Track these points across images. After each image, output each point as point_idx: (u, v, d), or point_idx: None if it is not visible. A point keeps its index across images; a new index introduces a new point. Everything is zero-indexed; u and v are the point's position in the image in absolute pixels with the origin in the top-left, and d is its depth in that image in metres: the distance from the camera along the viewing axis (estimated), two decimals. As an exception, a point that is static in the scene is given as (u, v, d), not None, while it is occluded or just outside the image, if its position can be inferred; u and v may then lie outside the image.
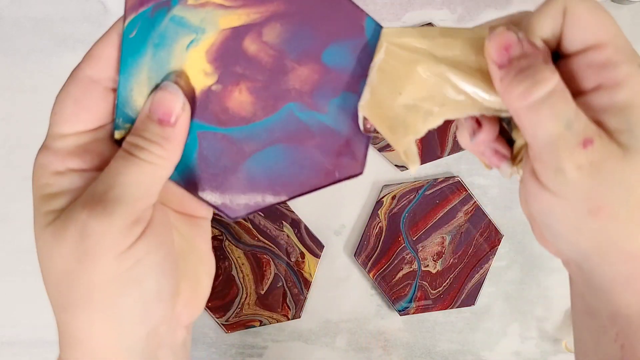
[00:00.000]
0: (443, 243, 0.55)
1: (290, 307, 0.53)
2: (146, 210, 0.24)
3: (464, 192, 0.55)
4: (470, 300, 0.55)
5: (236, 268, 0.53)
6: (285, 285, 0.53)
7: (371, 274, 0.54)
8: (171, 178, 0.26)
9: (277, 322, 0.53)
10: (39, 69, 0.54)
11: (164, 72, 0.25)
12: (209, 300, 0.53)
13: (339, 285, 0.55)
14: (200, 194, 0.26)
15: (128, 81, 0.25)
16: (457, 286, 0.55)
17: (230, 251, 0.53)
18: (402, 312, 0.54)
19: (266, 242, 0.54)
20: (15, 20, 0.54)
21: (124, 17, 0.25)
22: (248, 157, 0.26)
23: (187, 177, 0.26)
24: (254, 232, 0.54)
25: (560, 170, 0.21)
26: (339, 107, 0.26)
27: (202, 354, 0.54)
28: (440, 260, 0.55)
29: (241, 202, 0.27)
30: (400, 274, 0.54)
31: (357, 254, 0.54)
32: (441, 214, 0.55)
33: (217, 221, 0.53)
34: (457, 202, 0.55)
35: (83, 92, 0.25)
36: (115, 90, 0.25)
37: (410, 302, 0.54)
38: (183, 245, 0.28)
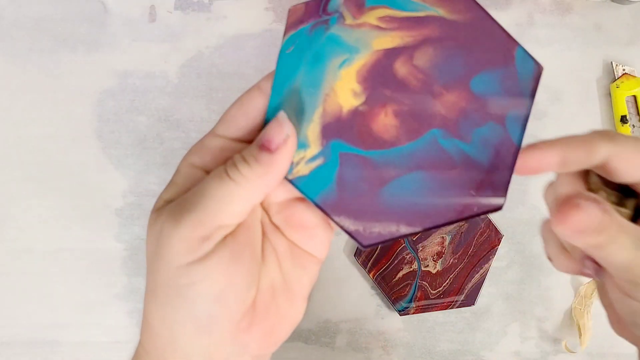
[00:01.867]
0: (443, 243, 0.55)
1: (290, 307, 0.53)
2: (219, 229, 0.23)
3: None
4: (470, 300, 0.55)
5: (236, 268, 0.53)
6: (285, 285, 0.53)
7: (371, 274, 0.54)
8: (310, 197, 0.26)
9: (277, 322, 0.53)
10: (39, 69, 0.54)
11: (315, 90, 0.26)
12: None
13: (339, 285, 0.55)
14: (335, 217, 0.26)
15: (280, 99, 0.25)
16: (457, 286, 0.55)
17: (230, 251, 0.53)
18: (402, 312, 0.54)
19: (266, 242, 0.53)
20: (15, 20, 0.54)
21: (285, 33, 0.25)
22: (387, 183, 0.26)
23: (324, 199, 0.26)
24: (254, 232, 0.53)
25: None
26: (483, 137, 0.25)
27: (202, 354, 0.54)
28: (440, 260, 0.55)
29: (375, 230, 0.26)
30: (400, 274, 0.54)
31: (357, 254, 0.54)
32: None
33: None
34: (457, 202, 0.55)
35: (251, 100, 0.25)
36: None
37: (410, 302, 0.54)
38: (277, 280, 0.27)
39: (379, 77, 0.25)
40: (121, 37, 0.55)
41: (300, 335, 0.54)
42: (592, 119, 0.56)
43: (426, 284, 0.54)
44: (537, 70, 0.25)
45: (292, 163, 0.26)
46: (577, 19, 0.56)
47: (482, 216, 0.54)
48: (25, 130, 0.54)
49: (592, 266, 0.25)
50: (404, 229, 0.26)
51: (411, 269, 0.54)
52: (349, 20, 0.25)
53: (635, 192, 0.26)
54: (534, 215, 0.56)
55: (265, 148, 0.24)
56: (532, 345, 0.56)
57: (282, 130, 0.24)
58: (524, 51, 0.25)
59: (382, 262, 0.54)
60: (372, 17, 0.25)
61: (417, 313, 0.54)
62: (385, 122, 0.26)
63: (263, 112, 0.25)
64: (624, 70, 0.55)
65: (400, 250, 0.54)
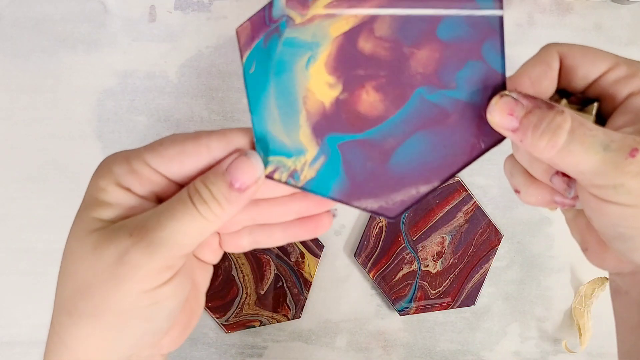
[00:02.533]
0: (443, 243, 0.55)
1: (290, 307, 0.53)
2: (181, 259, 0.25)
3: (464, 192, 0.55)
4: (470, 300, 0.55)
5: (236, 268, 0.53)
6: (285, 285, 0.53)
7: (371, 274, 0.54)
8: (324, 195, 0.26)
9: (277, 322, 0.53)
10: (39, 69, 0.54)
11: (291, 97, 0.25)
12: (209, 300, 0.53)
13: (339, 285, 0.55)
14: (355, 203, 0.26)
15: (262, 118, 0.25)
16: (457, 286, 0.55)
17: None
18: (402, 312, 0.54)
19: (266, 242, 0.54)
20: (15, 20, 0.54)
21: (240, 55, 0.25)
22: (392, 155, 0.26)
23: (339, 191, 0.26)
24: (254, 232, 0.54)
25: (619, 186, 0.23)
26: (466, 78, 0.25)
27: (202, 354, 0.54)
28: (440, 260, 0.55)
29: (397, 199, 0.26)
30: (400, 274, 0.54)
31: (357, 254, 0.54)
32: (441, 214, 0.55)
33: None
34: (457, 202, 0.55)
35: (193, 150, 0.25)
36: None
37: (410, 302, 0.54)
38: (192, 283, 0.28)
39: (348, 61, 0.25)
40: (121, 37, 0.55)
41: (300, 335, 0.54)
42: (592, 119, 0.56)
43: (426, 284, 0.54)
44: None
45: (297, 171, 0.26)
46: (577, 19, 0.56)
47: (481, 215, 0.54)
48: (25, 130, 0.54)
49: (561, 180, 0.25)
50: (424, 188, 0.26)
51: (411, 269, 0.54)
52: (298, 19, 0.25)
53: (597, 99, 0.27)
54: (533, 216, 0.56)
55: (236, 189, 0.24)
56: (532, 345, 0.56)
57: (254, 172, 0.25)
58: None
59: (382, 262, 0.54)
60: (319, 8, 0.25)
61: (417, 313, 0.54)
62: (369, 100, 0.26)
63: (205, 166, 0.25)
64: (624, 70, 0.55)
65: (400, 250, 0.54)
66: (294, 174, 0.26)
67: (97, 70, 0.55)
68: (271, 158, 0.26)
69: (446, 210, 0.55)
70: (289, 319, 0.53)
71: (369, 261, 0.54)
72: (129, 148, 0.57)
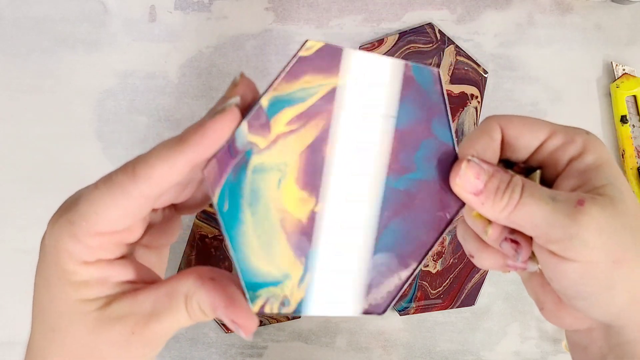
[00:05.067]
0: (443, 243, 0.55)
1: (290, 307, 0.53)
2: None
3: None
4: (470, 300, 0.55)
5: (236, 268, 0.53)
6: (285, 285, 0.53)
7: (371, 274, 0.54)
8: (319, 314, 0.26)
9: (277, 322, 0.53)
10: (39, 69, 0.54)
11: (268, 223, 0.25)
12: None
13: (339, 285, 0.55)
14: (343, 310, 0.27)
15: (243, 254, 0.24)
16: (457, 286, 0.55)
17: (230, 251, 0.53)
18: (402, 312, 0.54)
19: (266, 242, 0.53)
20: (15, 20, 0.54)
21: (212, 194, 0.24)
22: (371, 251, 0.27)
23: (327, 301, 0.26)
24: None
25: (574, 237, 0.24)
26: (423, 157, 0.27)
27: (202, 354, 0.54)
28: (440, 260, 0.55)
29: (383, 293, 0.27)
30: (400, 274, 0.54)
31: (357, 254, 0.54)
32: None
33: (216, 220, 0.53)
34: (457, 202, 0.55)
35: (132, 203, 0.24)
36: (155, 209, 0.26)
37: (410, 302, 0.54)
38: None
39: (317, 171, 0.25)
40: (121, 37, 0.55)
41: (300, 335, 0.54)
42: (592, 119, 0.56)
43: (426, 284, 0.54)
44: (435, 74, 0.26)
45: (287, 297, 0.25)
46: (577, 19, 0.56)
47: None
48: (25, 130, 0.54)
49: (510, 246, 0.27)
50: (405, 273, 0.27)
51: (411, 269, 0.54)
52: (262, 143, 0.24)
53: (539, 167, 0.28)
54: (534, 215, 0.56)
55: (234, 329, 0.25)
56: (532, 345, 0.56)
57: (250, 314, 0.25)
58: (417, 66, 0.26)
59: (382, 262, 0.54)
60: (280, 126, 0.24)
61: (417, 313, 0.54)
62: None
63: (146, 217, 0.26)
64: (624, 70, 0.55)
65: (400, 250, 0.54)
66: (284, 302, 0.26)
67: (97, 70, 0.55)
68: (259, 292, 0.25)
69: (446, 210, 0.55)
70: (288, 319, 0.53)
71: (369, 261, 0.54)
72: (129, 148, 0.57)
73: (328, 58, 0.24)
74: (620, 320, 0.26)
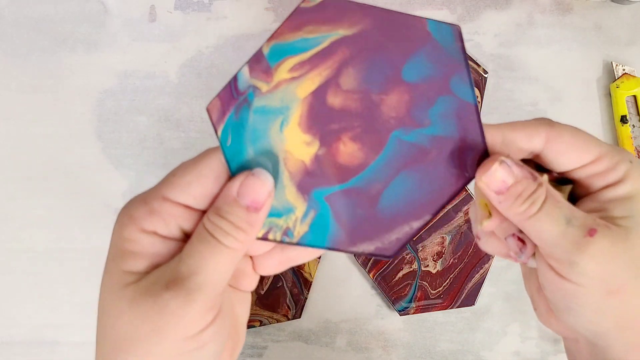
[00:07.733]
0: (443, 243, 0.55)
1: (290, 307, 0.53)
2: (220, 296, 0.25)
3: (464, 192, 0.55)
4: (470, 300, 0.55)
5: (236, 268, 0.53)
6: (285, 285, 0.53)
7: (371, 274, 0.54)
8: (321, 246, 0.27)
9: (277, 322, 0.53)
10: (39, 69, 0.54)
11: (271, 160, 0.26)
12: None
13: (339, 285, 0.55)
14: (352, 249, 0.27)
15: None
16: (457, 286, 0.55)
17: (230, 251, 0.53)
18: (402, 312, 0.54)
19: (266, 242, 0.54)
20: (15, 20, 0.54)
21: (215, 130, 0.25)
22: (379, 198, 0.27)
23: (334, 240, 0.27)
24: (254, 232, 0.54)
25: (575, 264, 0.24)
26: (439, 114, 0.26)
27: (202, 354, 0.54)
28: (440, 260, 0.55)
29: (392, 238, 0.27)
30: (400, 274, 0.54)
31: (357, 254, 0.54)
32: (441, 214, 0.55)
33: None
34: (457, 202, 0.55)
35: (209, 171, 0.25)
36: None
37: (410, 302, 0.54)
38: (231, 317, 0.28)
39: (320, 118, 0.26)
40: (121, 37, 0.55)
41: (300, 335, 0.54)
42: (592, 119, 0.56)
43: (426, 284, 0.54)
44: (456, 30, 0.25)
45: (289, 228, 0.26)
46: (577, 19, 0.56)
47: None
48: (25, 130, 0.54)
49: (515, 243, 0.26)
50: (417, 224, 0.27)
51: (411, 269, 0.54)
52: (264, 87, 0.25)
53: (572, 181, 0.27)
54: (534, 215, 0.56)
55: (253, 209, 0.24)
56: (532, 345, 0.56)
57: (266, 187, 0.25)
58: (434, 22, 0.25)
59: (382, 262, 0.54)
60: (283, 73, 0.25)
61: (417, 313, 0.54)
62: (347, 151, 0.26)
63: (218, 182, 0.25)
64: (624, 70, 0.55)
65: (400, 250, 0.54)
66: (287, 232, 0.26)
67: (97, 70, 0.55)
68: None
69: (446, 210, 0.55)
70: (289, 319, 0.53)
71: (369, 261, 0.54)
72: (129, 148, 0.57)
73: (333, 10, 0.24)
74: (606, 341, 0.26)
